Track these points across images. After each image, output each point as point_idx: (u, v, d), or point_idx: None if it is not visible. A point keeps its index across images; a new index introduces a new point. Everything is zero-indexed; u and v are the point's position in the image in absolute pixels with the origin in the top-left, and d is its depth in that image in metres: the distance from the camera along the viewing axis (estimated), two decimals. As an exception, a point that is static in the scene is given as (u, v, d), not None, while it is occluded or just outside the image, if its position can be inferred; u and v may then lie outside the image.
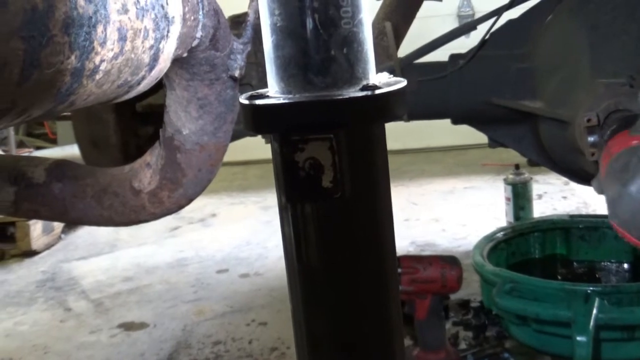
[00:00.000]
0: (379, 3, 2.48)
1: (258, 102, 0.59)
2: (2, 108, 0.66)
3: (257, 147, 2.99)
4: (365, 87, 0.58)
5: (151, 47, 0.90)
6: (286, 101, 0.58)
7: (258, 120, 0.60)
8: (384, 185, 0.62)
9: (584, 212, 3.80)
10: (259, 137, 2.24)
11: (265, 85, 1.96)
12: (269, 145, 2.26)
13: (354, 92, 0.58)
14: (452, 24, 4.87)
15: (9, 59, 0.62)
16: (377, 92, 0.58)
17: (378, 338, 0.63)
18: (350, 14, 0.58)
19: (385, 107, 0.59)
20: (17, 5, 0.62)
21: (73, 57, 0.72)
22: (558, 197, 4.21)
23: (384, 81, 0.61)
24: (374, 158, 0.61)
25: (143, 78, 0.95)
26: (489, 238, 2.53)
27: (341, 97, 0.57)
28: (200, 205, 4.55)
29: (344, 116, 0.57)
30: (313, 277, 0.62)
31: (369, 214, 0.61)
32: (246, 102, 0.60)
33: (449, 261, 2.24)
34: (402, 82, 0.61)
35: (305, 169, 0.57)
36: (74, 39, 0.71)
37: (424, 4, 2.59)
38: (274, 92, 0.60)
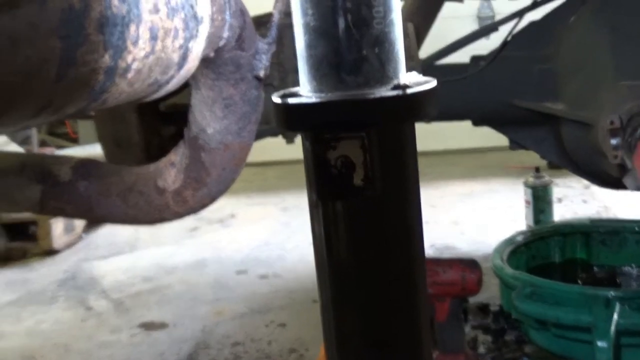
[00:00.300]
0: (401, 4, 2.49)
1: (290, 100, 0.60)
2: (40, 105, 0.67)
3: (277, 148, 3.01)
4: (397, 87, 0.59)
5: (181, 46, 0.91)
6: (318, 100, 0.59)
7: (290, 118, 0.61)
8: (414, 183, 0.63)
9: (604, 216, 3.77)
10: (279, 138, 2.25)
11: (286, 85, 1.97)
12: (288, 147, 2.28)
13: (386, 91, 0.59)
14: (472, 26, 4.86)
15: (47, 57, 0.63)
16: (409, 91, 0.58)
17: (407, 336, 0.63)
18: (382, 14, 0.59)
19: (416, 107, 0.60)
20: (55, 4, 0.64)
21: (107, 56, 0.74)
22: (578, 200, 4.18)
23: (414, 80, 0.62)
24: (405, 157, 0.62)
25: (172, 77, 0.96)
26: (508, 241, 2.52)
27: (373, 96, 0.58)
28: (220, 205, 4.56)
29: (375, 115, 0.58)
30: (343, 275, 0.62)
31: (400, 212, 0.62)
32: (279, 100, 0.61)
33: (469, 264, 2.24)
34: (433, 82, 0.62)
35: (337, 167, 0.58)
36: (108, 38, 0.73)
37: (445, 5, 2.59)
38: (305, 91, 0.61)
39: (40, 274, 3.75)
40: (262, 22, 1.58)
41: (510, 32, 2.19)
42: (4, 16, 0.57)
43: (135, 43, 0.78)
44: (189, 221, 4.19)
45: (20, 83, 0.62)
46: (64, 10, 0.65)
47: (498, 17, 3.07)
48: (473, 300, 2.54)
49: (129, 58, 0.79)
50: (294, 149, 2.57)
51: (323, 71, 0.59)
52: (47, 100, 0.68)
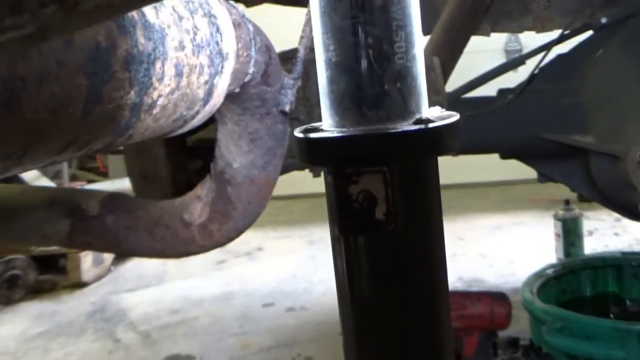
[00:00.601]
0: (427, 38, 2.50)
1: (312, 135, 0.60)
2: (66, 141, 0.68)
3: (303, 182, 3.01)
4: (419, 121, 0.59)
5: (206, 82, 0.92)
6: (340, 134, 0.59)
7: (312, 153, 0.61)
8: (437, 218, 0.62)
9: (636, 249, 3.71)
10: (305, 171, 2.26)
11: (312, 120, 1.98)
12: (314, 180, 2.28)
13: (408, 126, 0.59)
14: (500, 59, 4.85)
15: (74, 95, 0.65)
16: (431, 125, 0.58)
17: (430, 371, 0.62)
18: (404, 49, 0.59)
19: (439, 141, 0.59)
20: (82, 42, 0.65)
21: (132, 93, 0.75)
22: (609, 233, 4.12)
23: (436, 115, 0.62)
24: (427, 191, 0.61)
25: (197, 112, 0.97)
26: (538, 275, 2.49)
27: (395, 131, 0.58)
28: (247, 238, 4.57)
29: (397, 149, 0.58)
30: (365, 309, 0.62)
31: (422, 247, 0.61)
32: (300, 135, 0.61)
33: (498, 297, 2.21)
34: (455, 116, 0.61)
35: (359, 202, 0.58)
36: (134, 75, 0.74)
37: (472, 39, 2.59)
38: (327, 126, 0.61)
39: (69, 306, 3.78)
40: (287, 57, 1.60)
41: (538, 65, 2.18)
42: (32, 53, 0.58)
43: (160, 80, 0.80)
44: (216, 254, 4.21)
45: (46, 120, 0.63)
46: (91, 48, 0.66)
47: (525, 51, 3.06)
48: (502, 334, 2.51)
49: (155, 94, 0.80)
50: (321, 182, 2.58)
51: (345, 106, 0.60)
52: (73, 137, 0.69)
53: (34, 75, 0.59)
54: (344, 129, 0.60)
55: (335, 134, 0.59)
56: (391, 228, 0.58)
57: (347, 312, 0.62)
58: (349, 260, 0.61)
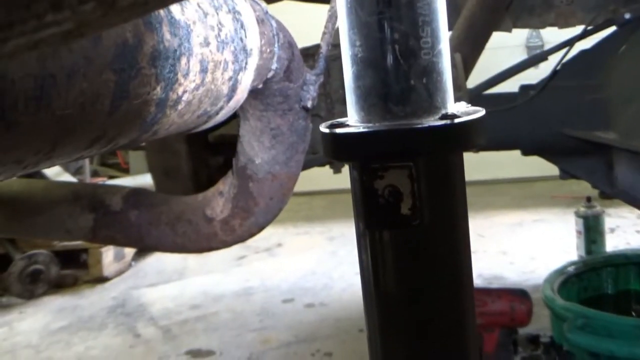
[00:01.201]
0: (448, 34, 2.49)
1: (338, 130, 0.60)
2: (94, 137, 0.69)
3: (323, 178, 3.01)
4: (445, 116, 0.59)
5: (230, 78, 0.93)
6: (366, 130, 0.59)
7: (338, 148, 0.61)
8: (462, 213, 0.62)
9: (659, 246, 3.68)
10: (325, 167, 2.26)
11: (333, 116, 1.98)
12: (334, 176, 2.28)
13: (434, 121, 0.59)
14: (521, 55, 4.82)
15: (102, 91, 0.65)
16: (457, 121, 0.58)
17: (455, 367, 0.63)
18: (430, 44, 0.59)
19: (464, 136, 0.59)
20: (109, 39, 0.66)
21: (158, 88, 0.75)
22: (631, 230, 4.08)
23: (462, 110, 0.62)
24: (453, 186, 0.61)
25: (221, 108, 0.98)
26: (559, 272, 2.47)
27: (421, 126, 0.58)
28: (267, 235, 4.59)
29: (423, 145, 0.58)
30: (390, 304, 0.62)
31: (447, 241, 0.61)
32: (326, 130, 0.61)
33: (519, 294, 2.20)
34: (481, 112, 0.61)
35: (385, 197, 0.58)
36: (160, 71, 0.74)
37: (493, 35, 2.58)
38: (353, 121, 0.62)
39: (90, 300, 3.81)
40: (309, 54, 1.60)
41: (560, 61, 2.17)
42: (62, 50, 0.59)
43: (186, 75, 0.80)
44: (236, 250, 4.22)
45: (75, 115, 0.63)
46: (118, 45, 0.67)
47: (547, 47, 3.04)
48: (523, 331, 2.50)
49: (180, 90, 0.80)
50: (340, 179, 2.58)
51: (371, 101, 0.60)
52: (101, 132, 0.70)
53: (64, 71, 0.60)
54: (370, 125, 0.60)
55: (362, 130, 0.59)
56: (417, 223, 0.58)
57: (371, 306, 0.63)
58: (374, 255, 0.61)
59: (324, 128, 0.62)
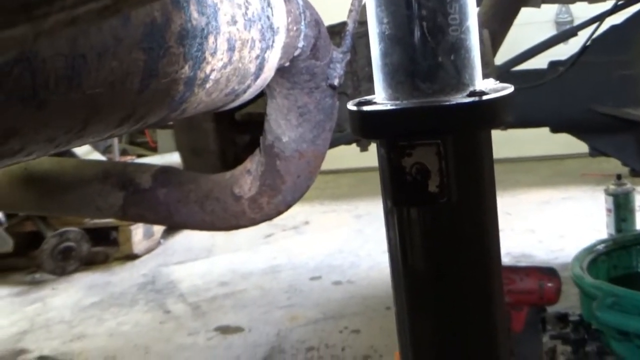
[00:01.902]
0: (476, 11, 2.46)
1: (366, 108, 0.60)
2: (124, 115, 0.70)
3: (349, 156, 3.01)
4: (473, 93, 0.59)
5: (257, 56, 0.93)
6: (394, 107, 0.59)
7: (366, 126, 0.61)
8: (490, 191, 0.62)
9: (690, 224, 3.62)
10: (351, 146, 2.26)
11: (360, 94, 1.97)
12: (360, 154, 2.28)
13: (462, 98, 0.58)
14: (550, 31, 4.75)
15: (131, 70, 0.66)
16: (485, 98, 0.58)
17: (483, 345, 0.63)
18: (458, 21, 0.59)
19: (493, 113, 0.59)
20: (138, 18, 0.66)
21: (187, 67, 0.76)
22: (663, 208, 4.03)
23: (490, 87, 0.61)
24: (481, 164, 0.61)
25: (249, 87, 0.98)
26: (588, 250, 2.46)
27: (449, 103, 0.58)
28: (293, 212, 4.60)
29: (451, 122, 0.58)
30: (418, 282, 0.62)
31: (475, 219, 0.61)
32: (354, 108, 0.61)
33: (547, 272, 2.19)
34: (509, 88, 0.61)
35: (412, 174, 0.58)
36: (188, 50, 0.75)
37: (521, 11, 2.55)
38: (381, 99, 0.62)
39: (121, 277, 3.87)
40: (334, 31, 1.60)
41: (590, 37, 2.13)
42: (92, 29, 0.59)
43: (213, 54, 0.80)
44: (263, 228, 4.25)
45: (105, 94, 0.64)
46: (147, 24, 0.67)
47: (576, 22, 2.99)
48: (551, 309, 2.49)
49: (208, 69, 0.81)
50: (367, 157, 2.58)
51: (398, 79, 0.60)
52: (130, 111, 0.70)
53: (94, 51, 0.60)
54: (398, 102, 0.60)
55: (389, 107, 0.59)
56: (444, 201, 0.58)
57: (399, 284, 0.63)
58: (402, 233, 0.61)
59: (351, 106, 0.62)
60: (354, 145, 2.23)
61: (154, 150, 5.81)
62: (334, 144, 2.04)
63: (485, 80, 0.63)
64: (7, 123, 0.54)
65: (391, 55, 0.59)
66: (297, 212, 4.65)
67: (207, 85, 0.83)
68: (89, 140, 0.73)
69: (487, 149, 0.62)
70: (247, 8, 0.88)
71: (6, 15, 0.22)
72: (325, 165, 1.42)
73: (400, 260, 0.63)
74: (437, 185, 0.58)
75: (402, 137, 0.57)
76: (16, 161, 0.64)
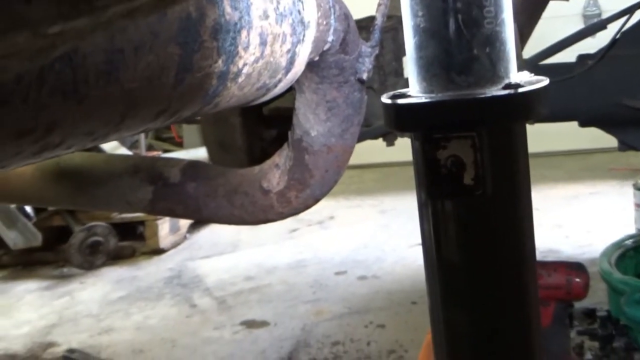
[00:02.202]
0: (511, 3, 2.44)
1: (401, 101, 0.61)
2: (159, 109, 0.71)
3: (373, 151, 3.01)
4: (508, 86, 0.59)
5: (288, 51, 0.94)
6: (428, 100, 0.59)
7: (401, 119, 0.62)
8: (525, 183, 0.62)
9: None
10: (376, 141, 2.26)
11: (386, 89, 1.96)
12: (385, 149, 2.27)
13: (497, 91, 0.58)
14: (578, 24, 4.71)
15: (166, 64, 0.67)
16: (520, 90, 0.58)
17: (517, 337, 0.63)
18: (493, 13, 0.59)
19: (528, 106, 0.59)
20: (173, 13, 0.67)
21: (220, 61, 0.76)
22: (692, 204, 3.98)
23: (525, 80, 0.61)
24: (516, 156, 0.61)
25: (280, 81, 0.98)
26: (617, 245, 2.44)
27: (484, 96, 0.58)
28: (319, 207, 4.60)
29: (486, 114, 0.58)
30: (452, 274, 0.63)
31: (510, 212, 0.61)
32: (389, 101, 0.62)
33: (575, 268, 2.17)
34: (545, 81, 0.61)
35: (447, 167, 0.58)
36: (221, 44, 0.76)
37: (549, 4, 2.53)
38: (415, 92, 0.62)
39: (147, 271, 3.91)
40: (361, 26, 1.59)
41: (620, 30, 2.11)
42: (129, 26, 0.60)
43: (246, 48, 0.81)
44: (288, 223, 4.27)
45: (142, 88, 0.65)
46: (182, 18, 0.68)
47: (604, 15, 2.96)
48: (578, 305, 2.47)
49: (240, 63, 0.81)
50: (392, 152, 2.57)
51: (433, 72, 0.60)
52: (165, 105, 0.71)
53: (131, 45, 0.61)
54: (432, 95, 0.60)
55: (424, 100, 0.60)
56: (479, 193, 0.58)
57: (433, 276, 0.63)
58: (436, 225, 0.62)
59: (386, 99, 0.62)
60: (379, 140, 2.23)
61: (179, 145, 5.84)
62: (360, 138, 2.04)
63: (520, 72, 0.63)
64: (49, 117, 0.55)
65: (426, 48, 0.60)
66: (322, 207, 4.64)
67: (240, 80, 0.84)
68: (124, 135, 0.74)
69: (522, 141, 0.62)
70: (278, 2, 0.88)
71: (71, 5, 0.23)
72: (350, 160, 1.42)
73: (434, 253, 0.63)
74: (472, 178, 0.58)
75: (437, 130, 0.58)
76: (55, 155, 0.65)
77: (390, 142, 2.21)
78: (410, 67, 0.62)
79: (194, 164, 1.49)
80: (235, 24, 0.78)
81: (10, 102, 0.49)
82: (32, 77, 0.51)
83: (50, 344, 3.03)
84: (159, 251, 4.18)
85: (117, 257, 4.13)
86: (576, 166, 5.22)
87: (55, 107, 0.55)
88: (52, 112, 0.55)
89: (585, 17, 5.18)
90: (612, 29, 2.17)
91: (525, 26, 2.20)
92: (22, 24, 0.22)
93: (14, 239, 3.95)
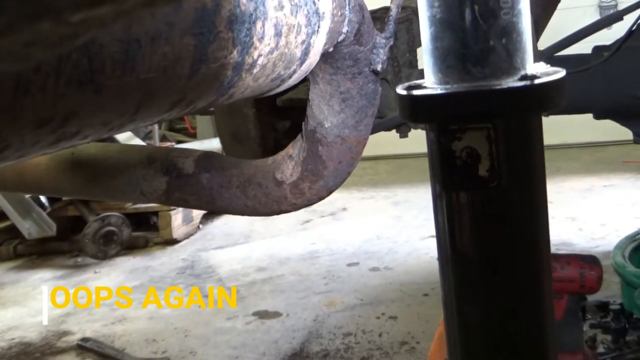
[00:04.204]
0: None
1: (416, 92, 0.60)
2: (174, 100, 0.71)
3: (387, 143, 3.01)
4: (524, 77, 0.58)
5: (303, 42, 0.94)
6: (444, 91, 0.59)
7: (416, 110, 0.61)
8: (540, 175, 0.62)
9: None
10: (390, 132, 2.25)
11: (400, 80, 1.94)
12: (399, 141, 2.26)
13: (513, 82, 0.58)
14: (594, 16, 4.68)
15: (182, 55, 0.67)
16: (537, 81, 0.58)
17: (532, 329, 0.63)
18: (510, 4, 0.58)
19: (544, 97, 0.59)
20: (189, 4, 0.67)
21: (235, 52, 0.77)
22: None
23: (542, 71, 0.61)
24: (531, 148, 0.61)
25: (294, 72, 0.98)
26: (631, 238, 2.42)
27: (500, 87, 0.58)
28: (331, 199, 4.61)
29: (502, 106, 0.58)
30: (466, 266, 0.62)
31: (525, 204, 0.61)
32: (404, 92, 0.62)
33: (589, 261, 2.16)
34: (561, 72, 0.61)
35: (462, 158, 0.58)
36: (237, 35, 0.76)
37: (565, -5, 2.51)
38: (431, 83, 0.62)
39: (161, 262, 3.93)
40: (375, 17, 1.59)
41: (636, 21, 2.09)
42: (145, 16, 0.60)
43: (261, 39, 0.81)
44: (301, 214, 4.27)
45: (158, 79, 0.65)
46: (197, 9, 0.68)
47: (620, 6, 2.93)
48: (591, 298, 2.46)
49: (255, 54, 0.82)
50: (405, 144, 2.57)
51: (449, 63, 0.60)
52: (181, 95, 0.71)
53: (147, 36, 0.62)
54: (448, 86, 0.60)
55: (439, 91, 0.59)
56: (494, 185, 0.58)
57: (447, 268, 0.63)
58: (451, 217, 0.61)
59: (401, 90, 0.62)
60: (392, 132, 2.22)
61: (192, 136, 5.86)
62: (373, 130, 2.04)
63: (537, 64, 0.63)
64: (66, 107, 0.55)
65: (442, 39, 0.59)
66: (335, 198, 4.66)
67: (255, 70, 0.84)
68: (140, 125, 0.74)
69: (537, 133, 0.61)
70: (293, -7, 0.88)
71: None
72: (363, 152, 1.42)
73: (448, 245, 0.63)
74: (487, 170, 0.58)
75: (453, 121, 0.58)
76: (71, 145, 0.66)
77: (403, 134, 2.20)
78: (425, 58, 0.62)
79: (207, 155, 1.49)
80: (251, 14, 0.78)
81: (29, 91, 0.49)
82: (50, 67, 0.51)
83: (65, 333, 3.06)
84: (172, 241, 4.20)
85: (130, 247, 4.16)
86: (590, 158, 5.19)
87: (72, 97, 0.55)
88: (69, 101, 0.55)
89: (601, 8, 5.14)
90: (629, 20, 2.15)
91: (541, 17, 2.19)
92: (45, 11, 0.22)
93: (29, 229, 3.98)
